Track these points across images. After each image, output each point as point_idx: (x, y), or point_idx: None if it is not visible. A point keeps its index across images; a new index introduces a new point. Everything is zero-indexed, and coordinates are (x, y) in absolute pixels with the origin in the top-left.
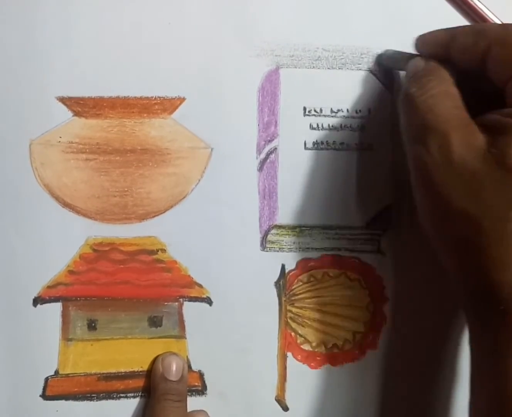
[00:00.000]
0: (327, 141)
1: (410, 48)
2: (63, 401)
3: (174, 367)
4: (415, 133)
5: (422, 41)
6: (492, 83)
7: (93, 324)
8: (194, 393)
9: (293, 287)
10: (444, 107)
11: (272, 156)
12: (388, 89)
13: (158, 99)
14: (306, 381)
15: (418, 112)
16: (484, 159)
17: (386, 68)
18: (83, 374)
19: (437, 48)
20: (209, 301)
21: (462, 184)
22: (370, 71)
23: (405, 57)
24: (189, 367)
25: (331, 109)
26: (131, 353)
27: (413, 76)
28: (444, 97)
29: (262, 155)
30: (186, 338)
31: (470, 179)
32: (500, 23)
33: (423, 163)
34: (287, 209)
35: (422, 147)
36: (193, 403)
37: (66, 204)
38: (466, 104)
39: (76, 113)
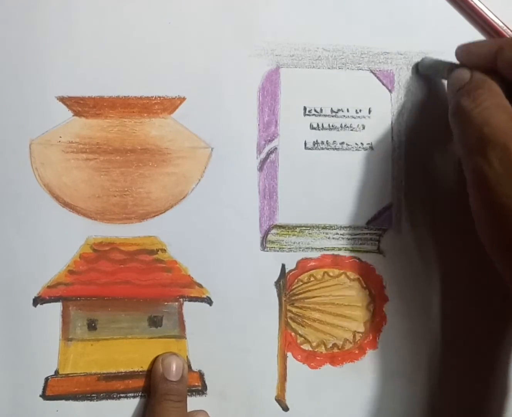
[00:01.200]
0: (327, 141)
1: (410, 48)
2: (63, 401)
3: (174, 367)
4: (473, 146)
5: (466, 52)
6: None
7: (93, 324)
8: (194, 393)
9: (293, 287)
10: (500, 119)
11: (272, 156)
12: (388, 89)
13: (158, 99)
14: (306, 381)
15: (474, 125)
16: None
17: (424, 76)
18: (83, 374)
19: (483, 60)
20: (209, 301)
21: None
22: (370, 71)
23: (446, 67)
24: (189, 367)
25: (331, 109)
26: (131, 353)
27: (462, 88)
28: (498, 109)
29: (262, 155)
30: (186, 338)
31: None
32: None
33: (485, 176)
34: (287, 209)
35: (482, 159)
36: (193, 403)
37: (66, 204)
38: None
39: (76, 113)
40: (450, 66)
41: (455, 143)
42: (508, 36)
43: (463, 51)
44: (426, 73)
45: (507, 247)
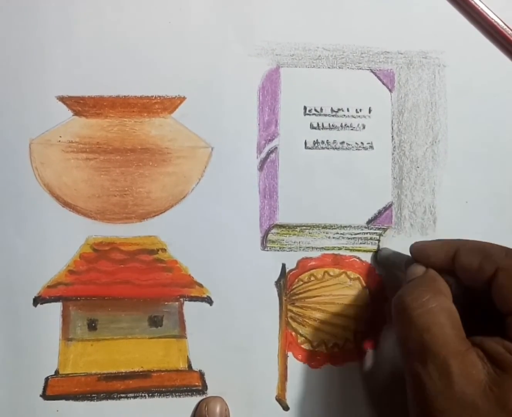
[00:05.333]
0: (327, 140)
1: (410, 48)
2: (63, 401)
3: (218, 410)
4: (414, 351)
5: (423, 255)
6: (494, 305)
7: (93, 324)
8: (194, 392)
9: (294, 286)
10: (441, 327)
11: (273, 155)
12: (388, 88)
13: (158, 98)
14: (306, 380)
15: (414, 328)
16: (484, 395)
17: (385, 267)
18: (83, 374)
19: (440, 262)
20: (209, 301)
21: (461, 415)
22: (371, 70)
23: (403, 261)
24: (190, 366)
25: (332, 108)
26: (131, 353)
27: (409, 283)
28: (440, 314)
29: (263, 155)
30: (186, 338)
31: (470, 414)
32: (506, 248)
33: (423, 384)
34: (288, 208)
35: (421, 368)
36: (193, 402)
37: (66, 204)
38: (464, 318)
39: (76, 113)
40: (407, 261)
41: (396, 338)
42: (508, 36)
43: (420, 253)
44: (384, 263)
45: None
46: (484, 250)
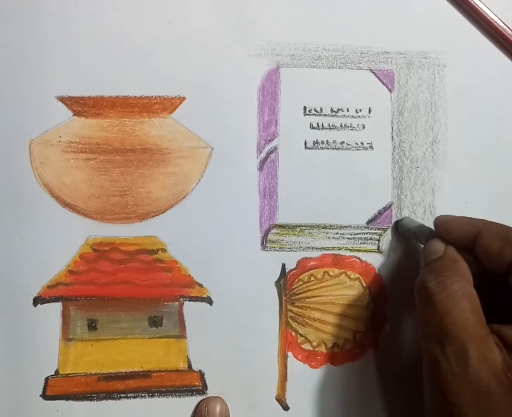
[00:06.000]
0: (327, 140)
1: (410, 48)
2: (63, 401)
3: (218, 410)
4: (433, 333)
5: (445, 230)
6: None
7: (93, 324)
8: (194, 392)
9: (294, 287)
10: (462, 311)
11: (273, 155)
12: (388, 88)
13: (158, 98)
14: (306, 380)
15: (436, 312)
16: (499, 381)
17: (403, 236)
18: (83, 374)
19: (461, 239)
20: (209, 301)
21: (475, 400)
22: (371, 70)
23: (424, 233)
24: (190, 366)
25: (331, 108)
26: (131, 353)
27: (431, 264)
28: (462, 298)
29: (263, 155)
30: (186, 338)
31: (484, 398)
32: None
33: (439, 366)
34: (288, 208)
35: (440, 351)
36: (193, 402)
37: (66, 204)
38: (484, 303)
39: (76, 113)
40: (428, 234)
41: (417, 320)
42: (508, 36)
43: (442, 227)
44: (405, 234)
45: None
46: (506, 235)
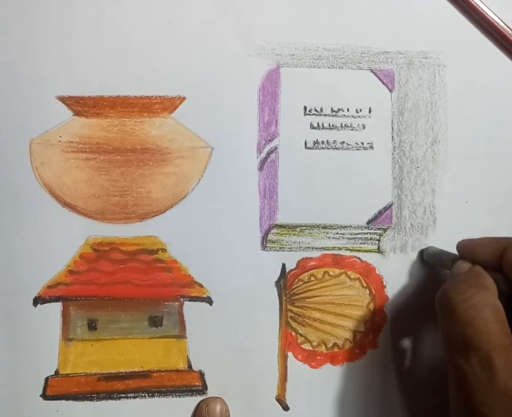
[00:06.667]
0: (327, 140)
1: (410, 48)
2: (63, 401)
3: (218, 410)
4: (457, 344)
5: (471, 252)
6: None
7: (93, 324)
8: (194, 393)
9: (294, 287)
10: (485, 321)
11: (273, 155)
12: (389, 88)
13: (158, 98)
14: (306, 380)
15: (458, 322)
16: None
17: (429, 265)
18: (83, 374)
19: (488, 259)
20: (209, 301)
21: (503, 409)
22: (371, 70)
23: (449, 258)
24: (190, 366)
25: (332, 108)
26: (131, 353)
27: (454, 278)
28: (485, 308)
29: (263, 155)
30: (186, 338)
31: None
32: None
33: (466, 379)
34: (288, 208)
35: (464, 361)
36: (193, 403)
37: (66, 204)
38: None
39: (76, 113)
40: (454, 259)
41: (440, 332)
42: (508, 36)
43: (467, 250)
44: (430, 261)
45: None
46: None
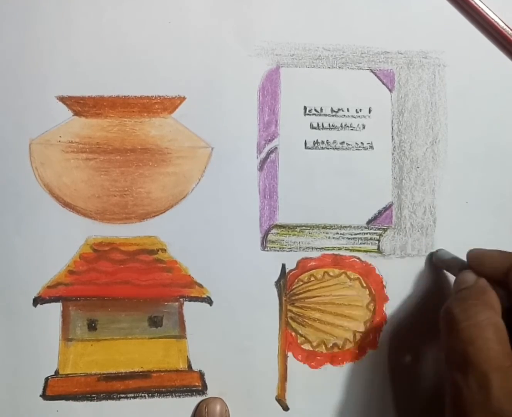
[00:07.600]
0: (327, 140)
1: (410, 48)
2: (63, 401)
3: (218, 410)
4: (456, 360)
5: (479, 262)
6: None
7: (93, 324)
8: (194, 393)
9: (294, 287)
10: (486, 341)
11: (273, 155)
12: (388, 88)
13: (158, 98)
14: (306, 380)
15: (460, 340)
16: None
17: (433, 266)
18: (83, 374)
19: (494, 272)
20: (209, 301)
21: None
22: (371, 70)
23: (457, 265)
24: (190, 367)
25: (332, 108)
26: (131, 353)
27: (459, 293)
28: (487, 328)
29: (263, 155)
30: (186, 338)
31: None
32: None
33: (462, 396)
34: (288, 208)
35: (462, 379)
36: (193, 403)
37: (66, 204)
38: None
39: (76, 113)
40: (461, 266)
41: (440, 345)
42: (508, 36)
43: (476, 260)
44: (438, 265)
45: None
46: None
